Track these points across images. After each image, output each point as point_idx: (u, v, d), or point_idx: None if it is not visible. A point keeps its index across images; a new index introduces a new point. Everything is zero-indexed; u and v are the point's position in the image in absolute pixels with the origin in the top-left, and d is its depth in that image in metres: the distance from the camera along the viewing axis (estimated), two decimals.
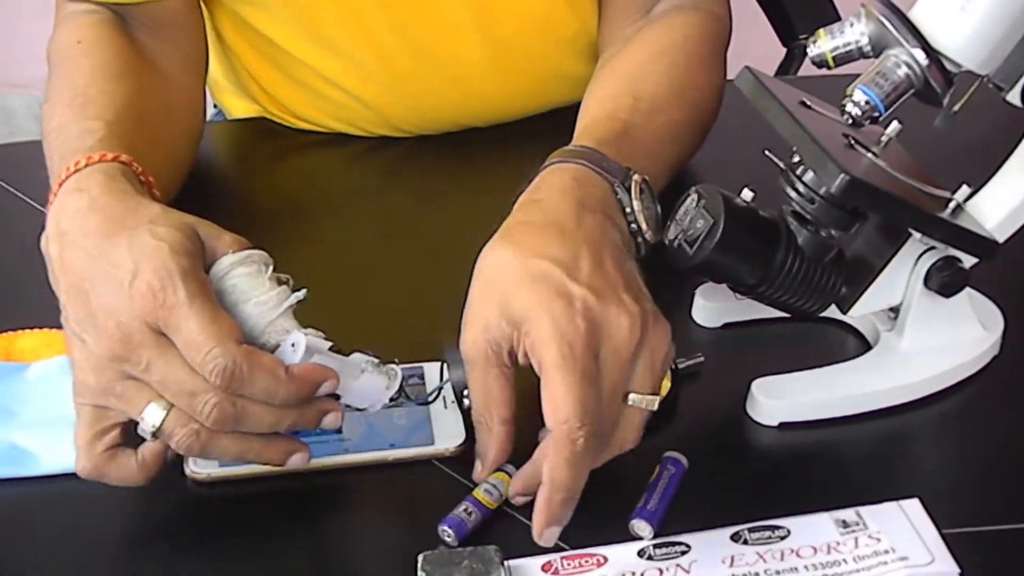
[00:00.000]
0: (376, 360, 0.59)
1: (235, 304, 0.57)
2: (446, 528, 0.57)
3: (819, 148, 0.57)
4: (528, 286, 0.57)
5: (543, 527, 0.55)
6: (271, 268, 0.58)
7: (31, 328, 0.69)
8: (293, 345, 0.56)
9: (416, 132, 0.91)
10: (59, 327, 0.69)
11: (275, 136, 0.93)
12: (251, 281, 0.57)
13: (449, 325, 0.60)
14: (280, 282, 0.58)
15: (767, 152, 0.63)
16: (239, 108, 0.99)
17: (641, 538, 0.58)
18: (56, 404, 0.64)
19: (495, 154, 0.89)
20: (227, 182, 0.90)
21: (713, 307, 0.72)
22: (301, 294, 0.57)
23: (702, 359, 0.68)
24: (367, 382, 0.58)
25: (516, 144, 0.89)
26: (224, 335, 0.53)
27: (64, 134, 0.66)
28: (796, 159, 0.61)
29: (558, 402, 0.54)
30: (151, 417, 0.55)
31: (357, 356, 0.59)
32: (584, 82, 0.85)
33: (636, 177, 0.64)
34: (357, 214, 0.84)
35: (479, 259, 0.60)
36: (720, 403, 0.67)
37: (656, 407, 0.58)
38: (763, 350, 0.71)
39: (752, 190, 0.63)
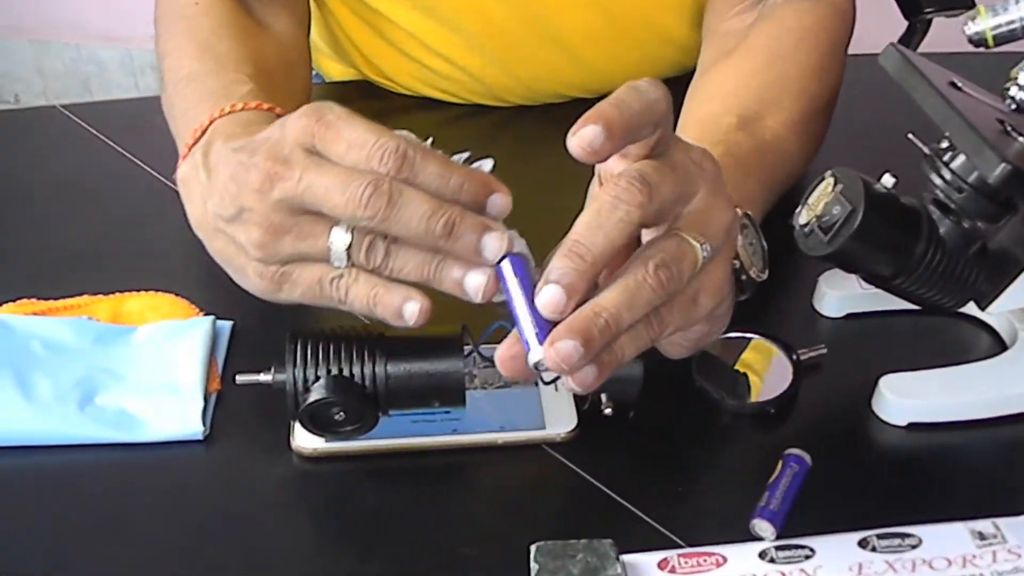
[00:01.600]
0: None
1: None
2: None
3: (975, 133, 0.53)
4: None
5: (558, 338, 0.46)
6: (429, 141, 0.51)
7: (138, 291, 0.69)
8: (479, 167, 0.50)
9: (518, 102, 0.89)
10: (166, 291, 0.69)
11: (372, 98, 0.92)
12: None
13: None
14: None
15: (910, 136, 0.59)
16: (336, 71, 0.98)
17: (762, 539, 0.55)
18: (162, 369, 0.63)
19: None
20: None
21: (837, 296, 0.69)
22: (490, 164, 0.52)
23: (824, 350, 0.65)
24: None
25: None
26: (390, 133, 0.48)
27: (204, 84, 0.65)
28: (944, 144, 0.57)
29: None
30: (339, 240, 0.49)
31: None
32: (695, 50, 0.81)
33: (738, 211, 0.58)
34: None
35: None
36: (843, 399, 0.64)
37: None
38: (889, 344, 0.67)
39: (894, 176, 0.59)
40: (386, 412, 0.57)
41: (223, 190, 0.52)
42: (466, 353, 0.57)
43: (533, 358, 0.48)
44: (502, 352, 0.48)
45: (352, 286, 0.50)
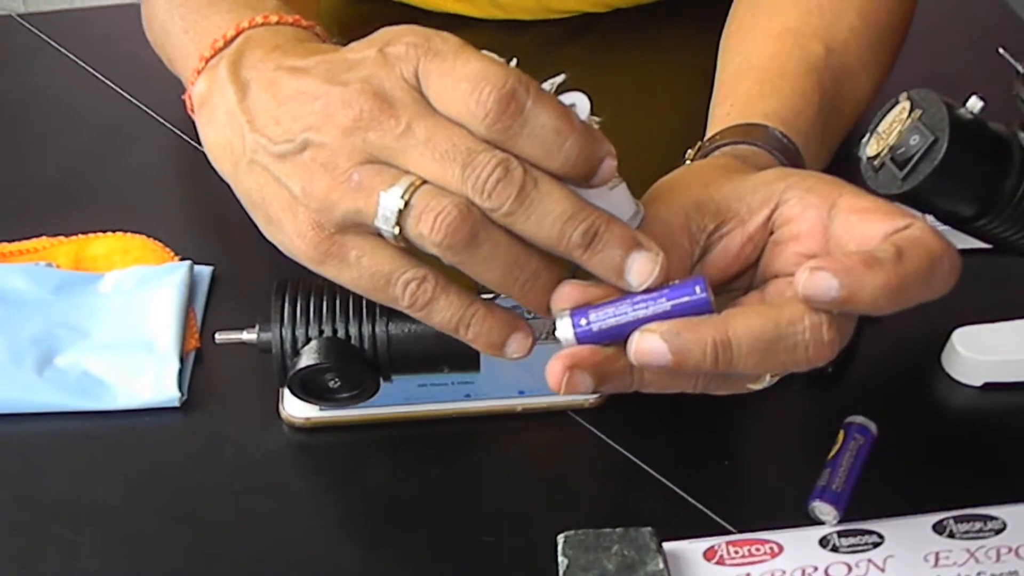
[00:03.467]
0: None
1: None
2: None
3: None
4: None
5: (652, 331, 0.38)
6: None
7: (104, 232, 0.61)
8: (573, 105, 0.40)
9: (525, 18, 0.79)
10: (136, 231, 0.61)
11: (365, 7, 0.82)
12: None
13: None
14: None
15: (1001, 50, 0.51)
16: None
17: (823, 523, 0.48)
18: (132, 324, 0.55)
19: (610, 40, 0.78)
20: None
21: None
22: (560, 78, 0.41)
23: None
24: (619, 198, 0.41)
25: (632, 29, 0.78)
26: (506, 67, 0.39)
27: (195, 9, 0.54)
28: None
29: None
30: (389, 201, 0.39)
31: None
32: None
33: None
34: None
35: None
36: (909, 355, 0.56)
37: None
38: (961, 290, 0.58)
39: (982, 99, 0.50)
40: (388, 378, 0.49)
41: (280, 115, 0.41)
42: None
43: (561, 333, 0.40)
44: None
45: (438, 300, 0.40)
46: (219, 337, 0.51)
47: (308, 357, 0.48)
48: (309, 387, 0.49)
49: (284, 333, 0.48)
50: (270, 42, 0.47)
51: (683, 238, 0.42)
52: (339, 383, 0.49)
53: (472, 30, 0.79)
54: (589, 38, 0.78)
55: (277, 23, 0.49)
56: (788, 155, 0.52)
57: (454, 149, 0.38)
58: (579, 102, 0.40)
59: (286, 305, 0.49)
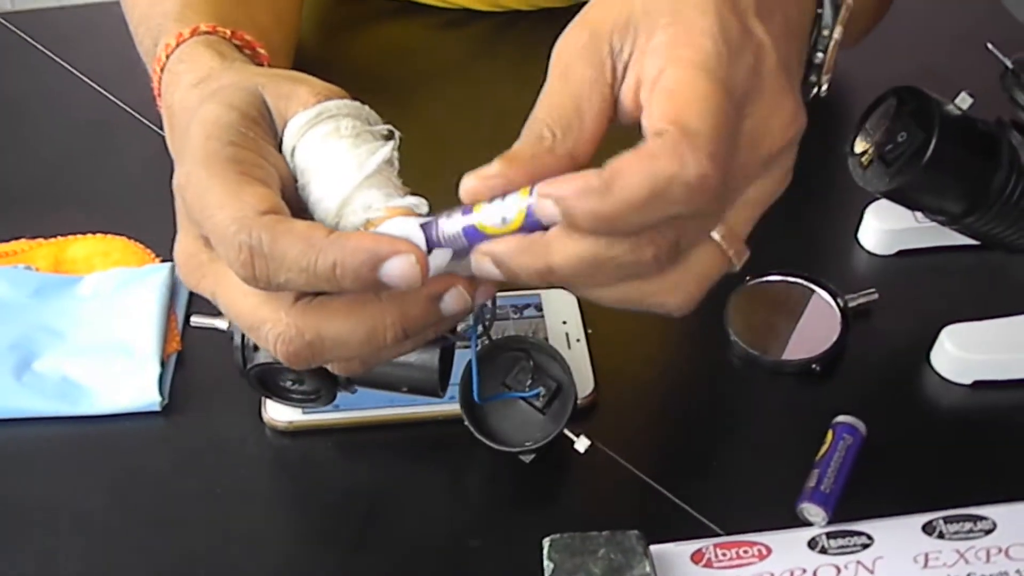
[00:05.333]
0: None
1: (307, 186, 0.41)
2: None
3: None
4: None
5: (484, 259, 0.38)
6: (363, 120, 0.42)
7: (84, 234, 0.60)
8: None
9: (516, 8, 0.78)
10: (117, 233, 0.60)
11: (353, 2, 0.81)
12: (325, 147, 0.41)
13: None
14: (379, 137, 0.42)
15: (990, 46, 0.50)
16: None
17: (812, 524, 0.47)
18: (112, 327, 0.55)
19: None
20: (298, 52, 0.79)
21: (887, 231, 0.60)
22: (388, 149, 0.41)
23: (875, 295, 0.57)
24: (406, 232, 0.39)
25: None
26: (244, 206, 0.38)
27: (151, 27, 0.54)
28: None
29: (686, 97, 0.36)
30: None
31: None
32: None
33: (850, 0, 0.45)
34: (443, 93, 0.73)
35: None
36: (897, 353, 0.56)
37: (736, 271, 0.41)
38: (950, 286, 0.59)
39: (971, 95, 0.49)
40: (348, 389, 0.48)
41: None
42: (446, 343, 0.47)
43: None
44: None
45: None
46: (195, 320, 0.51)
47: (266, 354, 0.47)
48: (267, 383, 0.48)
49: None
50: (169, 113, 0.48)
51: (599, 84, 0.39)
52: (295, 384, 0.48)
53: (466, 24, 0.78)
54: None
55: (166, 57, 0.50)
56: None
57: (246, 326, 0.40)
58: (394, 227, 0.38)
59: None
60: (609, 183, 0.34)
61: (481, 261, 0.38)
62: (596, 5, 0.40)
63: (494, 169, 0.37)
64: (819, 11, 0.45)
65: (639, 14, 0.39)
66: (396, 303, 0.39)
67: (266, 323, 0.40)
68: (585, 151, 0.38)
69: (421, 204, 0.40)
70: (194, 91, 0.46)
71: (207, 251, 0.41)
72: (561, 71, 0.39)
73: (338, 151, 0.41)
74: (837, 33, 0.44)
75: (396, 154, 0.41)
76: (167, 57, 0.50)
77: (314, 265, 0.37)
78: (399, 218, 0.38)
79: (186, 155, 0.41)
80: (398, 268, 0.37)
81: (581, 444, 0.48)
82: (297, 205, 0.41)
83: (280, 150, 0.42)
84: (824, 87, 0.46)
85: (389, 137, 0.42)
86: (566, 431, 0.48)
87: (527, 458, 0.50)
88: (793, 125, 0.39)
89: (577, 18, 0.40)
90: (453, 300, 0.39)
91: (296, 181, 0.42)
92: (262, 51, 0.52)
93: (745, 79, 0.37)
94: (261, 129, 0.42)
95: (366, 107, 0.43)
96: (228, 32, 0.51)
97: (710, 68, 0.37)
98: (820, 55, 0.45)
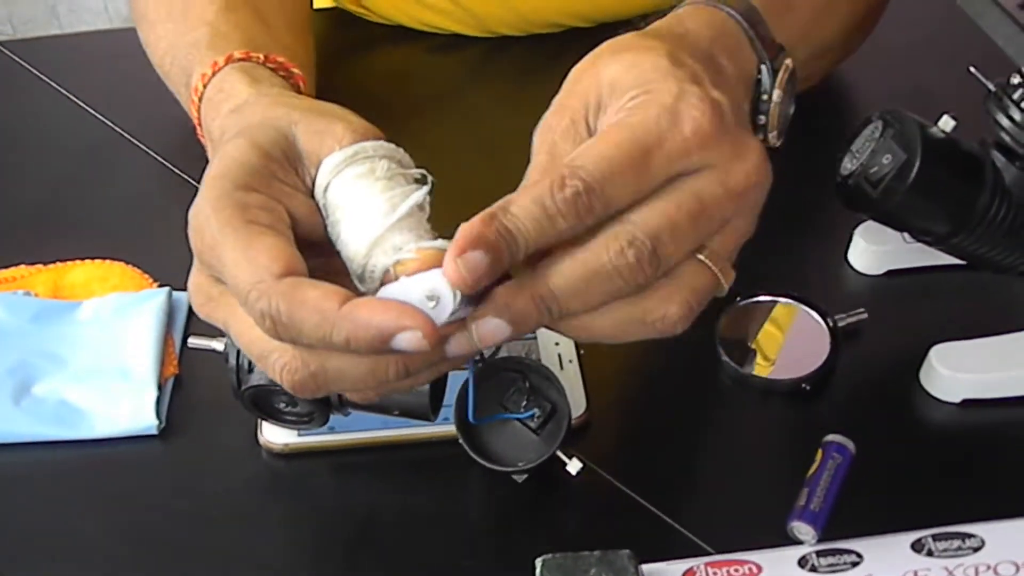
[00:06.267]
0: None
1: (337, 224, 0.42)
2: None
3: None
4: (641, 60, 0.43)
5: (486, 314, 0.40)
6: (396, 162, 0.42)
7: (83, 259, 0.60)
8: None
9: (506, 33, 0.79)
10: (115, 259, 0.61)
11: (348, 27, 0.82)
12: (358, 187, 0.42)
13: None
14: (412, 180, 0.42)
15: (972, 69, 0.51)
16: None
17: (802, 543, 0.48)
18: (110, 351, 0.55)
19: None
20: None
21: (876, 251, 0.61)
22: (421, 193, 0.42)
23: (864, 315, 0.57)
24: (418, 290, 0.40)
25: None
26: (258, 269, 0.40)
27: (178, 57, 0.56)
28: (1016, 79, 0.49)
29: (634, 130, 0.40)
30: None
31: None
32: None
33: (788, 63, 0.49)
34: (435, 117, 0.73)
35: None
36: (887, 372, 0.56)
37: (724, 293, 0.43)
38: (939, 306, 0.59)
39: (954, 117, 0.50)
40: (342, 411, 0.49)
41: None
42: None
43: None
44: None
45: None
46: (192, 341, 0.52)
47: (260, 376, 0.47)
48: (261, 404, 0.49)
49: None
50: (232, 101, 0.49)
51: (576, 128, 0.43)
52: (288, 407, 0.49)
53: (459, 49, 0.79)
54: (572, 56, 0.77)
55: (204, 86, 0.51)
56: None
57: (255, 355, 0.42)
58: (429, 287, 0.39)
59: None
60: (500, 207, 0.39)
61: (484, 323, 0.39)
62: (571, 92, 0.44)
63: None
64: (758, 76, 0.49)
65: (607, 93, 0.43)
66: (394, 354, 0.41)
67: (273, 353, 0.41)
68: None
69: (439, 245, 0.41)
70: (232, 117, 0.48)
71: (217, 286, 0.43)
72: (548, 149, 0.43)
73: (371, 192, 0.42)
74: (776, 96, 0.48)
75: (429, 198, 0.43)
76: (204, 87, 0.51)
77: (329, 337, 0.39)
78: (427, 273, 0.39)
79: (203, 185, 0.43)
80: (406, 342, 0.39)
81: (573, 467, 0.49)
82: (325, 241, 0.43)
83: (309, 187, 0.44)
84: (776, 143, 0.50)
85: (422, 181, 0.43)
86: (559, 453, 0.49)
87: (520, 477, 0.50)
88: (761, 168, 0.42)
89: (556, 103, 0.44)
90: (458, 345, 0.41)
91: (326, 218, 0.43)
92: (296, 71, 0.54)
93: (693, 131, 0.41)
94: (281, 168, 0.43)
95: (400, 149, 0.44)
96: (261, 57, 0.52)
97: (634, 124, 0.41)
98: (762, 117, 0.49)
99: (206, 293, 0.43)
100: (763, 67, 0.48)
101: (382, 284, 0.41)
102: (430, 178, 0.43)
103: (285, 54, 0.54)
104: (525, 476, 0.50)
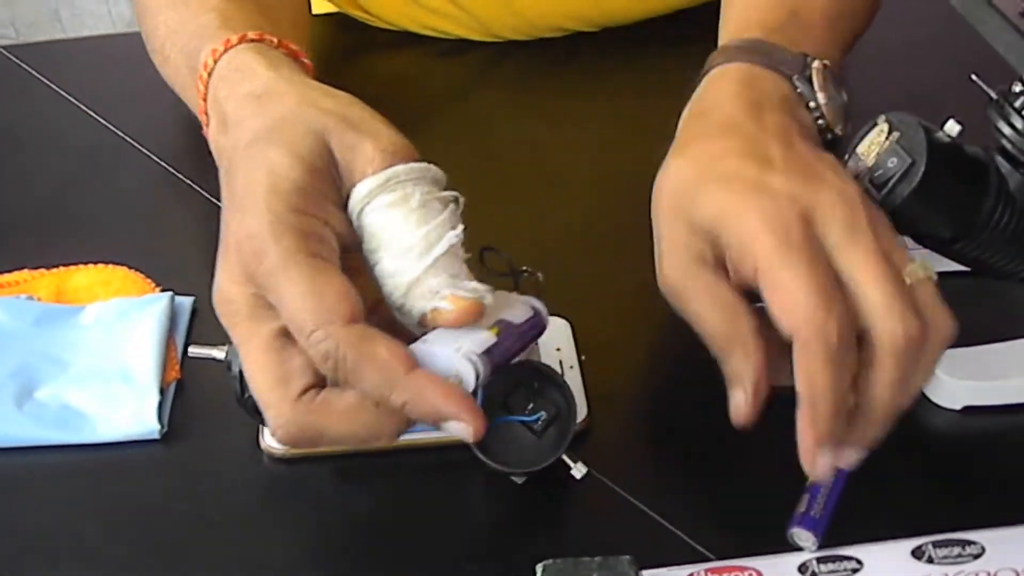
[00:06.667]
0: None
1: (373, 253, 0.43)
2: None
3: None
4: (716, 188, 0.47)
5: (814, 450, 0.45)
6: (433, 187, 0.43)
7: (86, 263, 0.60)
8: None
9: (511, 37, 0.80)
10: (118, 263, 0.61)
11: (352, 32, 0.82)
12: (392, 217, 0.42)
13: (551, 253, 0.48)
14: (446, 204, 0.43)
15: (974, 76, 0.51)
16: (315, 4, 0.88)
17: (802, 549, 0.48)
18: (113, 356, 0.55)
19: (601, 61, 0.78)
20: None
21: None
22: (456, 234, 0.43)
23: None
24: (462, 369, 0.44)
25: (625, 49, 0.78)
26: (325, 310, 0.41)
27: (180, 41, 0.56)
28: (1018, 87, 0.49)
29: (792, 300, 0.44)
30: None
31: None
32: None
33: (816, 64, 0.53)
34: (438, 121, 0.74)
35: (654, 192, 0.50)
36: None
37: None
38: None
39: (959, 122, 0.50)
40: None
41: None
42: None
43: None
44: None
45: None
46: (192, 350, 0.52)
47: None
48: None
49: None
50: (222, 122, 0.49)
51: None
52: None
53: (464, 54, 0.79)
54: (577, 61, 0.78)
55: (214, 63, 0.51)
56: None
57: (251, 386, 0.43)
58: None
59: None
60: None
61: (822, 451, 0.46)
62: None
63: None
64: (797, 90, 0.52)
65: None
66: (402, 416, 0.42)
67: (271, 408, 0.42)
68: None
69: (486, 294, 0.43)
70: (252, 103, 0.47)
71: (247, 307, 0.43)
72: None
73: (406, 227, 0.43)
74: (821, 99, 0.52)
75: (462, 225, 0.44)
76: (215, 62, 0.50)
77: (387, 397, 0.41)
78: (454, 356, 0.42)
79: (247, 204, 0.43)
80: (455, 429, 0.42)
81: (578, 471, 0.49)
82: (359, 265, 0.44)
83: (346, 199, 0.44)
84: (843, 133, 0.54)
85: (453, 200, 0.44)
86: (565, 457, 0.49)
87: (519, 479, 0.50)
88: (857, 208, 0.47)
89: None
90: (455, 429, 0.43)
91: (362, 240, 0.44)
92: (307, 61, 0.53)
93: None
94: (326, 184, 0.44)
95: (432, 167, 0.44)
96: (275, 40, 0.52)
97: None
98: (821, 121, 0.53)
99: (232, 307, 0.43)
100: (796, 82, 0.52)
101: (419, 324, 0.43)
102: (462, 200, 0.44)
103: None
104: (524, 479, 0.50)
